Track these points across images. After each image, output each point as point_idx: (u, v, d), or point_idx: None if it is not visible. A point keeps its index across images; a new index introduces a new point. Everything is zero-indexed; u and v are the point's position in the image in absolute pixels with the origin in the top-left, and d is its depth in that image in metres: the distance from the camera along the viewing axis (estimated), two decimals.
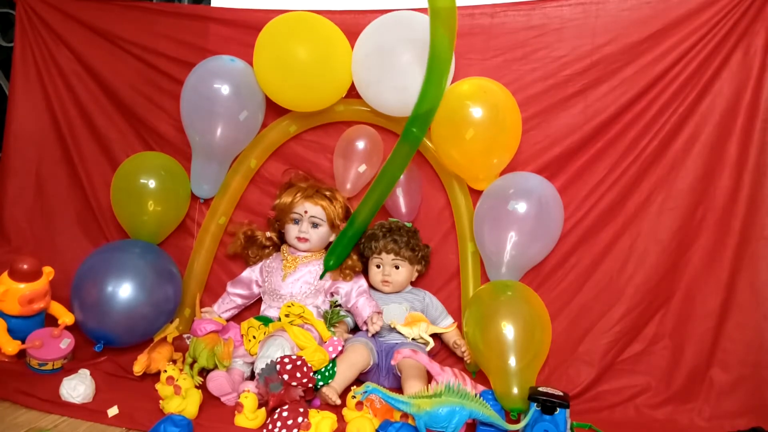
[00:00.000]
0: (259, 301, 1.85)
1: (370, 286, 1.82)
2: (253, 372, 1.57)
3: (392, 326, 1.66)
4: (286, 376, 1.38)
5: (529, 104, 1.73)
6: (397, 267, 1.77)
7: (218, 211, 1.89)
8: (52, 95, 2.06)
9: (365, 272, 1.83)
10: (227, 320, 1.77)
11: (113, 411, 1.38)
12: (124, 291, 1.61)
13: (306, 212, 1.77)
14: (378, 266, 1.79)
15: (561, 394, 1.33)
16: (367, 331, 1.70)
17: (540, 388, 1.35)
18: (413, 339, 1.66)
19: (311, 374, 1.42)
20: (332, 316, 1.72)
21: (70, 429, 1.34)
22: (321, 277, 1.75)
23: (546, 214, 1.62)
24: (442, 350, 1.80)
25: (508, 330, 1.47)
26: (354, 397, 1.40)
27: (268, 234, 1.85)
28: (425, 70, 1.46)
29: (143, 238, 1.80)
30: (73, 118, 2.06)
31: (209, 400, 1.47)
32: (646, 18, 1.66)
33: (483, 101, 1.60)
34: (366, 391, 1.32)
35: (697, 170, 1.65)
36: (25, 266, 1.60)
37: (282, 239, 1.86)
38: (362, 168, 1.79)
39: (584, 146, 1.72)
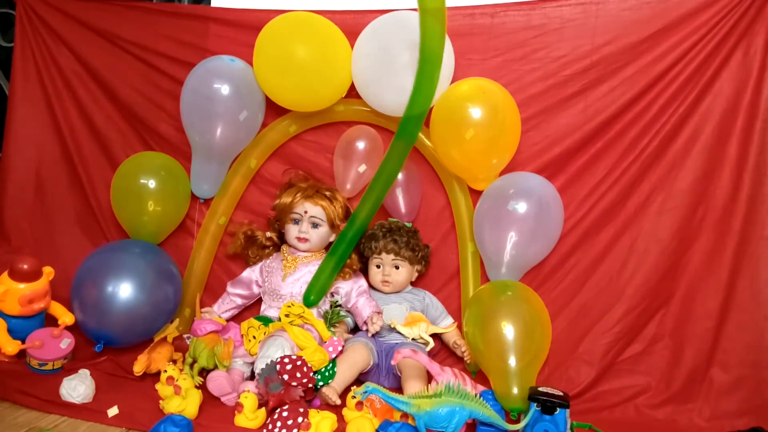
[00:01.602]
0: (259, 301, 1.85)
1: (370, 286, 1.82)
2: (253, 372, 1.57)
3: (392, 326, 1.66)
4: (286, 376, 1.38)
5: (529, 104, 1.73)
6: (397, 267, 1.77)
7: (218, 211, 1.89)
8: (52, 95, 2.06)
9: (365, 272, 1.83)
10: (227, 320, 1.77)
11: (113, 411, 1.37)
12: (124, 291, 1.61)
13: (306, 212, 1.77)
14: (378, 266, 1.79)
15: (561, 394, 1.33)
16: (367, 331, 1.70)
17: (540, 388, 1.35)
18: (413, 339, 1.66)
19: (311, 374, 1.42)
20: (332, 316, 1.72)
21: (70, 429, 1.34)
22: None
23: (546, 214, 1.62)
24: (442, 350, 1.80)
25: (508, 330, 1.47)
26: (354, 397, 1.40)
27: (268, 234, 1.85)
28: (416, 70, 1.45)
29: (143, 238, 1.80)
30: (73, 118, 2.06)
31: (209, 400, 1.47)
32: (646, 18, 1.66)
33: (482, 102, 1.60)
34: (366, 391, 1.32)
35: (697, 170, 1.65)
36: (25, 266, 1.60)
37: (282, 239, 1.86)
38: (362, 168, 1.79)
39: (584, 146, 1.72)
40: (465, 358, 1.68)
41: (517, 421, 1.37)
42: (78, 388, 1.41)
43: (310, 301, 1.71)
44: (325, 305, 1.77)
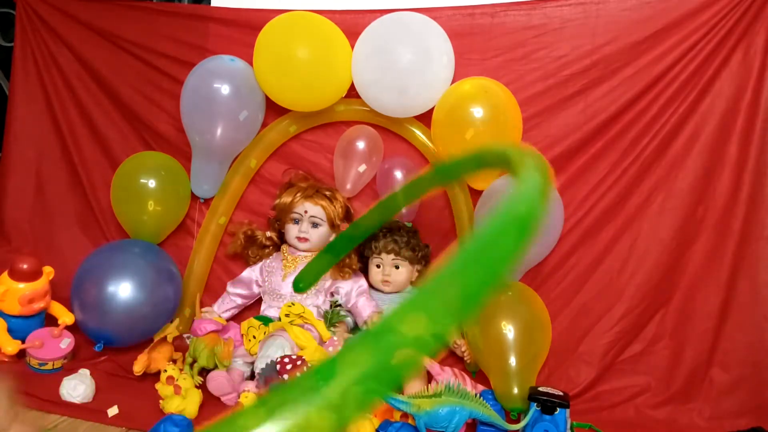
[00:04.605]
0: (259, 301, 1.85)
1: (371, 285, 1.81)
2: (253, 372, 1.57)
3: None
4: (286, 376, 1.38)
5: (529, 104, 1.73)
6: (397, 267, 1.77)
7: (218, 211, 1.89)
8: (52, 95, 2.06)
9: (365, 272, 1.83)
10: (227, 320, 1.77)
11: (113, 411, 1.37)
12: (124, 291, 1.61)
13: (306, 212, 1.77)
14: (378, 266, 1.79)
15: (561, 394, 1.33)
16: None
17: (540, 388, 1.35)
18: None
19: None
20: (332, 316, 1.72)
21: (70, 429, 1.34)
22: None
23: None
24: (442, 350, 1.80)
25: (508, 330, 1.47)
26: None
27: (268, 234, 1.85)
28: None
29: (143, 238, 1.80)
30: (73, 118, 2.06)
31: (209, 400, 1.47)
32: (646, 18, 1.66)
33: (484, 101, 1.60)
34: None
35: (697, 170, 1.65)
36: (25, 266, 1.60)
37: (282, 239, 1.86)
38: (362, 168, 1.79)
39: (584, 146, 1.71)
40: (465, 358, 1.68)
41: (517, 421, 1.37)
42: (78, 387, 1.41)
43: (299, 287, 1.68)
44: (325, 305, 1.77)
